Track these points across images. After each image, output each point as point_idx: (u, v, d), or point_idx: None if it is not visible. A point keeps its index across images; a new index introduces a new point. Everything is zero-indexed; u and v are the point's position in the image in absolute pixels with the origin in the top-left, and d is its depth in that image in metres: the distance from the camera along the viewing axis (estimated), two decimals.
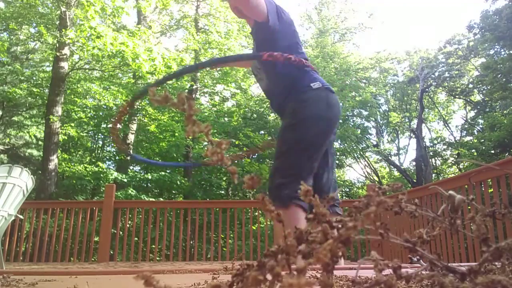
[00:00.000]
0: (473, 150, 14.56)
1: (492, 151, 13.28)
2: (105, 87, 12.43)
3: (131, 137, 12.29)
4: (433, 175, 16.17)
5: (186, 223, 5.93)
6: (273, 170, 2.08)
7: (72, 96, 12.15)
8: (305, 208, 1.94)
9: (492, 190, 3.20)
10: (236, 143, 11.93)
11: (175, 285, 1.00)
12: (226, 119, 13.08)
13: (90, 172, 10.52)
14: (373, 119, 17.11)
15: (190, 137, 0.52)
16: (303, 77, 2.13)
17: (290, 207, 1.91)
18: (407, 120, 18.48)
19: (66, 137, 12.11)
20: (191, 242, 8.76)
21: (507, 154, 12.49)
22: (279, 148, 2.10)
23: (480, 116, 16.34)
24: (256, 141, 11.77)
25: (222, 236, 6.20)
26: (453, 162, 17.51)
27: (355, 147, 15.58)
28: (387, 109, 18.78)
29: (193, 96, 12.26)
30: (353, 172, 27.94)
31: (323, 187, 2.21)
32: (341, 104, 13.89)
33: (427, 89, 17.12)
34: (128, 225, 6.10)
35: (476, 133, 16.46)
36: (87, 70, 12.63)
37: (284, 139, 2.10)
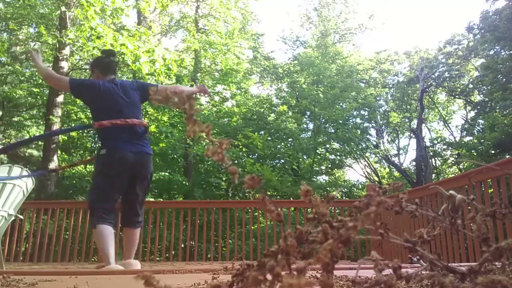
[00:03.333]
0: (473, 150, 14.56)
1: (492, 151, 13.28)
2: None
3: None
4: (433, 175, 16.16)
5: (186, 223, 5.92)
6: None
7: (72, 97, 12.13)
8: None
9: (492, 190, 3.20)
10: (236, 143, 11.92)
11: (175, 285, 1.00)
12: (225, 119, 13.08)
13: (90, 172, 10.53)
14: (373, 119, 17.13)
15: (189, 138, 0.52)
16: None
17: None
18: (407, 120, 18.47)
19: (66, 137, 12.11)
20: (191, 242, 8.76)
21: (507, 154, 12.49)
22: None
23: (480, 117, 16.34)
24: (256, 142, 11.76)
25: (222, 236, 6.20)
26: (453, 162, 17.51)
27: (355, 148, 15.58)
28: (387, 110, 18.78)
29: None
30: (353, 172, 27.96)
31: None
32: (341, 105, 14.05)
33: (427, 89, 17.12)
34: None
35: (476, 133, 16.45)
36: (87, 70, 12.63)
37: None
